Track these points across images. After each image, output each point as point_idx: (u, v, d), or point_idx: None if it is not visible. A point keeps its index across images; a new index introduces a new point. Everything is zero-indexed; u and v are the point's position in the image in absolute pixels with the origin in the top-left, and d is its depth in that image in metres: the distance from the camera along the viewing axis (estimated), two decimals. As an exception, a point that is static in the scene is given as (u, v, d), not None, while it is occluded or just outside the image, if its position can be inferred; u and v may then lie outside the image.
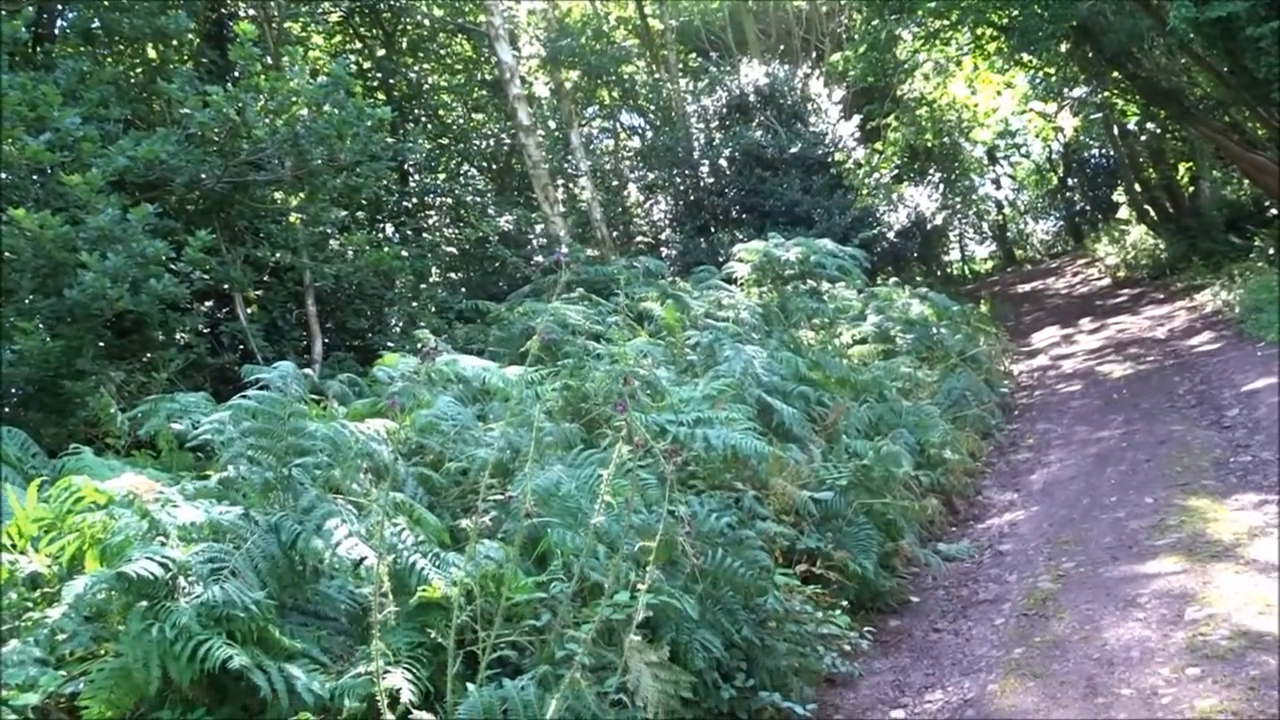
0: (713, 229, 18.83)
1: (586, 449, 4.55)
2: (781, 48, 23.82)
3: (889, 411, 7.01)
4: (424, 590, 3.12)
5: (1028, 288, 25.01)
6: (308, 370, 4.76)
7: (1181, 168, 21.60)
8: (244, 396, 3.64)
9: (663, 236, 20.97)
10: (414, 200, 16.05)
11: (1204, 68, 14.91)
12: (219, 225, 8.91)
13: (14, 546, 3.30)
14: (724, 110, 20.08)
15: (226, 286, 9.35)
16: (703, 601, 3.75)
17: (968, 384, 9.02)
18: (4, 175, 7.08)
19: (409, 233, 15.09)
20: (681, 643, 3.60)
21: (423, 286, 13.66)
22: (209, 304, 9.93)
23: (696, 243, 18.10)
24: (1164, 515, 5.42)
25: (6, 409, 6.70)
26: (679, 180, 20.20)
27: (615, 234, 21.27)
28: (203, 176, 8.42)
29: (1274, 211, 16.99)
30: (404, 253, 12.05)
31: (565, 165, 19.71)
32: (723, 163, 19.10)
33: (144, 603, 2.76)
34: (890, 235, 18.43)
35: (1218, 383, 8.66)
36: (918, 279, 20.25)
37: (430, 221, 16.65)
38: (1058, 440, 8.35)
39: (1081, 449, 7.75)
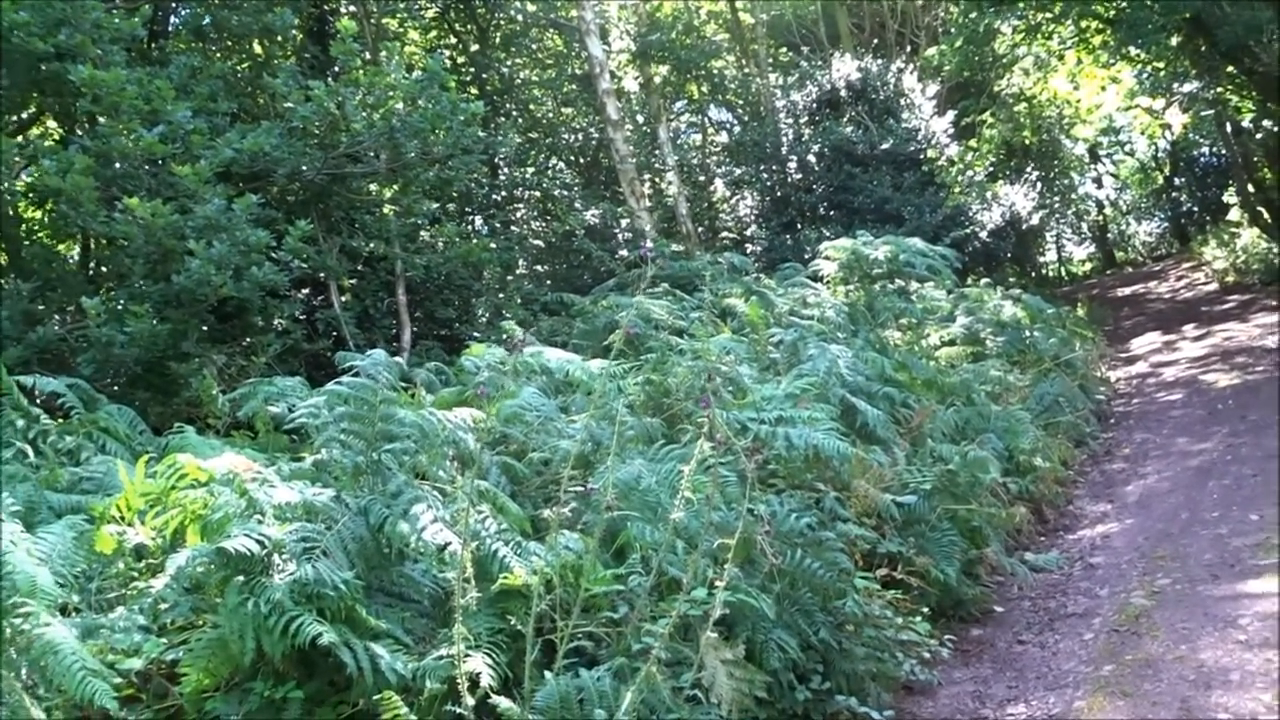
0: (799, 225, 18.66)
1: (667, 444, 4.57)
2: (875, 41, 23.40)
3: (977, 415, 6.85)
4: (505, 578, 3.18)
5: (1128, 291, 24.11)
6: (397, 358, 4.88)
7: (1299, 168, 20.51)
8: (338, 382, 3.75)
9: (748, 233, 20.84)
10: (503, 193, 16.30)
11: (1327, 63, 14.13)
12: (317, 215, 9.20)
13: (122, 519, 3.47)
14: (814, 105, 19.85)
15: (323, 275, 9.65)
16: (780, 601, 3.73)
17: (1061, 390, 8.74)
18: (120, 166, 7.44)
19: (497, 225, 15.33)
20: (757, 642, 3.59)
21: (509, 278, 13.90)
22: (306, 291, 10.28)
23: (782, 239, 17.96)
24: (1270, 534, 5.17)
25: (116, 387, 7.06)
26: (765, 176, 20.06)
27: (700, 229, 21.27)
28: (303, 168, 8.70)
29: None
30: (492, 245, 12.25)
31: (652, 160, 19.76)
32: (811, 158, 18.89)
33: (240, 577, 2.88)
34: (983, 235, 17.97)
35: (1332, 395, 8.23)
36: (1011, 280, 19.73)
37: (518, 214, 16.91)
38: (1156, 451, 8.04)
39: (1181, 461, 7.44)
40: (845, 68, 19.87)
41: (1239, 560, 4.91)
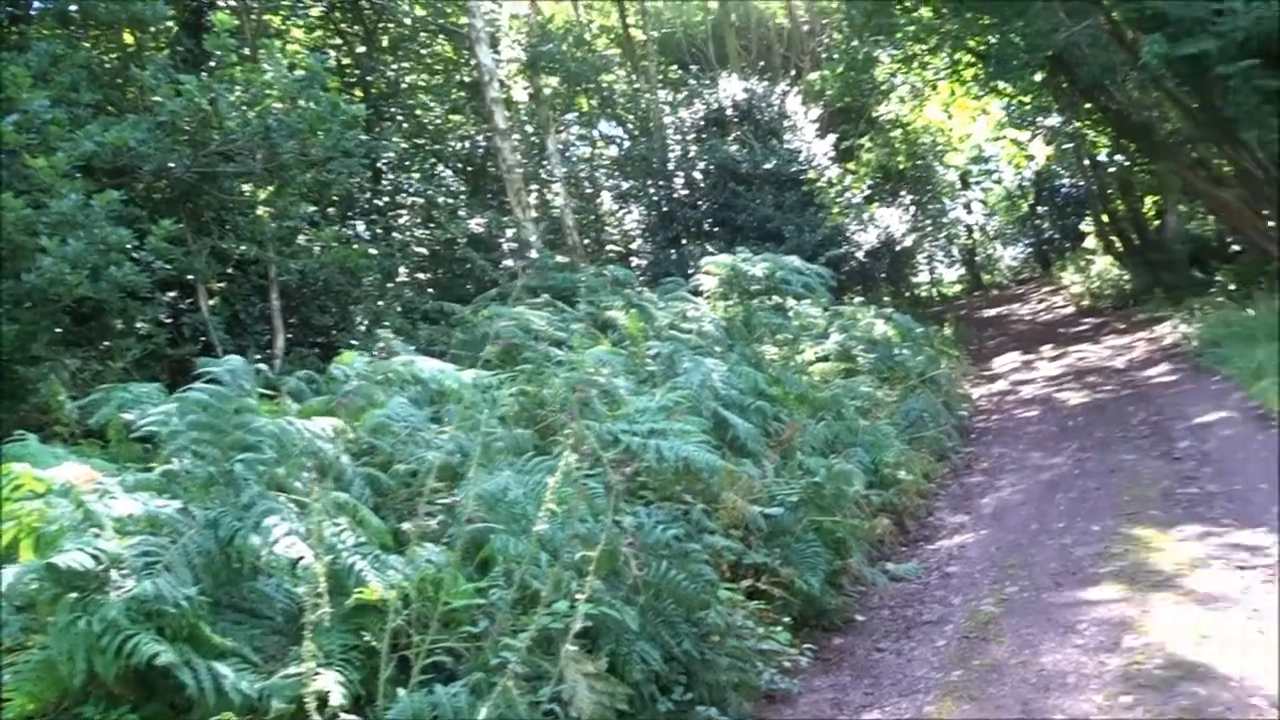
0: (684, 241, 18.95)
1: (538, 456, 4.56)
2: (762, 63, 23.97)
3: (845, 430, 7.08)
4: (361, 592, 3.11)
5: (993, 312, 25.32)
6: (263, 365, 4.72)
7: (1149, 201, 21.98)
8: (192, 389, 3.61)
9: (634, 246, 21.03)
10: (386, 199, 16.03)
11: (1174, 103, 15.20)
12: (185, 215, 8.83)
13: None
14: (701, 123, 20.20)
15: (190, 277, 9.26)
16: (644, 613, 3.77)
17: (926, 406, 9.12)
18: (-35, 154, 6.99)
19: (379, 231, 15.06)
20: (620, 654, 3.62)
21: (389, 285, 13.63)
22: (171, 294, 9.82)
23: (667, 254, 18.19)
24: (1109, 543, 5.51)
25: (-45, 391, 6.61)
26: (653, 191, 20.29)
27: (587, 242, 21.32)
28: (171, 165, 8.35)
29: (1236, 247, 17.32)
30: (372, 250, 12.00)
31: (540, 171, 19.74)
32: (697, 175, 19.21)
33: (73, 594, 2.74)
34: (859, 255, 18.59)
35: (1171, 414, 8.81)
36: (885, 300, 20.47)
37: (401, 221, 16.62)
38: (1011, 465, 8.46)
39: (1034, 474, 7.86)
40: (732, 88, 20.29)
41: (1080, 569, 5.21)
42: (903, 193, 22.44)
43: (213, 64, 9.83)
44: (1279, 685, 3.61)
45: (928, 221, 26.90)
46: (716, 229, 18.94)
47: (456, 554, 3.21)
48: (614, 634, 3.63)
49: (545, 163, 19.09)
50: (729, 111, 20.15)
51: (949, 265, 36.74)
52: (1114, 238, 23.13)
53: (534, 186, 18.83)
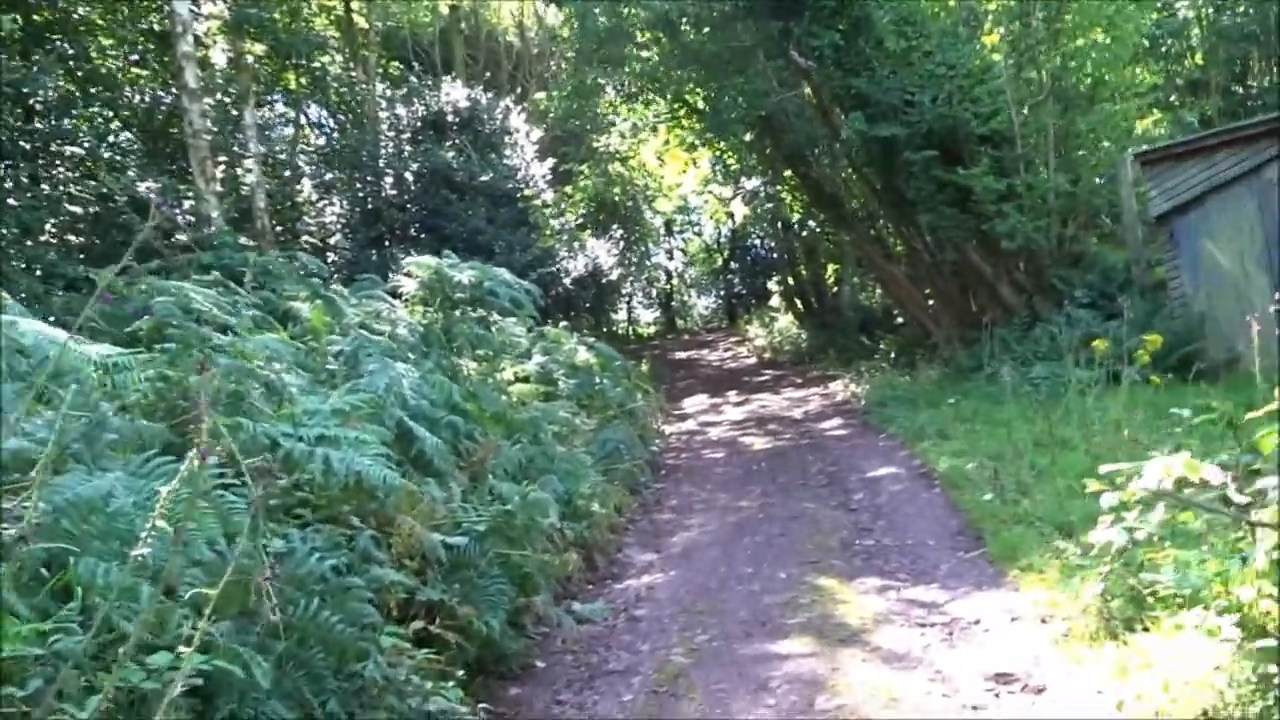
0: (387, 243, 17.87)
1: (166, 455, 3.60)
2: (489, 75, 23.42)
3: (542, 455, 6.58)
4: None
5: (684, 355, 26.28)
6: None
7: (830, 268, 23.90)
8: None
9: (333, 241, 19.53)
10: (38, 143, 13.66)
11: (863, 180, 16.52)
12: None
13: None
14: (419, 124, 19.28)
15: None
16: (282, 664, 2.98)
17: (623, 437, 8.88)
18: None
19: (24, 179, 12.75)
20: (243, 717, 2.80)
21: (28, 243, 11.54)
22: None
23: (368, 254, 17.01)
24: (796, 593, 5.40)
25: None
26: (359, 186, 19.00)
27: (280, 229, 19.52)
28: None
29: (900, 320, 19.10)
30: (12, 200, 9.99)
31: (232, 143, 17.77)
32: (409, 176, 18.22)
33: None
34: (567, 281, 18.45)
35: (845, 466, 9.20)
36: (587, 330, 20.50)
37: (56, 173, 14.24)
38: (700, 504, 8.39)
39: (722, 515, 7.80)
40: (456, 93, 19.58)
41: (770, 618, 5.03)
42: (615, 226, 22.72)
43: None
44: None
45: (633, 260, 27.49)
46: (424, 236, 18.02)
47: (7, 580, 2.27)
48: (238, 691, 2.81)
49: (239, 135, 17.18)
50: (450, 117, 19.40)
51: (648, 307, 38.08)
52: (797, 299, 24.88)
53: (223, 159, 16.85)
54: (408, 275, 9.38)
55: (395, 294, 9.53)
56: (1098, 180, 13.55)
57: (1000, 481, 6.98)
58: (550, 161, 19.83)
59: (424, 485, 4.84)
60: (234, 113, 18.21)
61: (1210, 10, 17.12)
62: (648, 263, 33.87)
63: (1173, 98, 17.16)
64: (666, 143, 28.46)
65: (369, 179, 18.80)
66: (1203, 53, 17.81)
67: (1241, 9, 16.78)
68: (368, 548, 3.80)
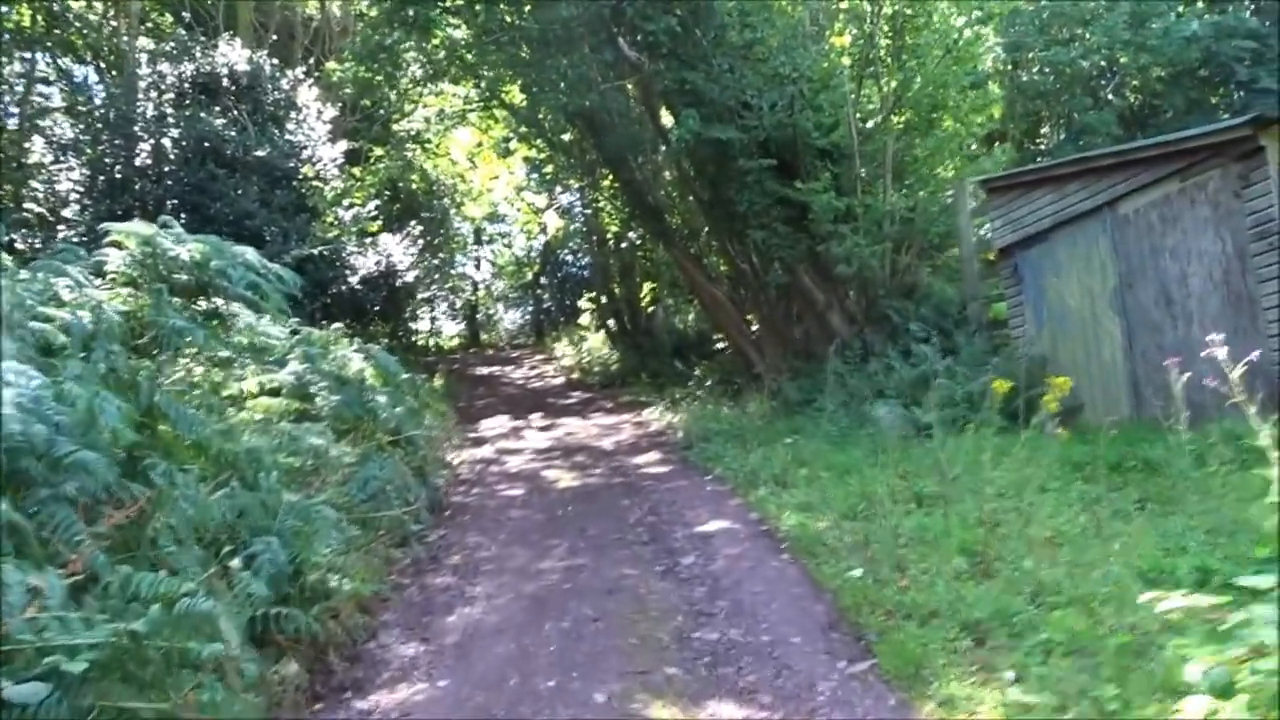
0: (136, 219, 14.87)
1: None
2: (275, 37, 20.67)
3: (259, 506, 4.54)
4: None
5: (486, 371, 24.28)
6: None
7: (646, 287, 22.59)
8: None
9: (66, 214, 16.26)
10: None
11: (689, 190, 15.20)
12: None
13: None
14: (187, 86, 16.41)
15: None
16: None
17: (393, 474, 6.89)
18: None
19: None
20: None
21: None
22: None
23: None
24: (620, 724, 3.69)
25: None
26: (105, 150, 15.88)
27: (1, 194, 16.20)
28: None
29: (721, 344, 17.92)
30: None
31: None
32: (167, 143, 15.33)
33: None
34: (354, 280, 16.07)
35: (669, 515, 7.61)
36: (383, 338, 18.11)
37: None
38: (489, 564, 6.53)
39: (517, 583, 5.99)
40: (235, 55, 16.84)
41: (580, 783, 3.28)
42: (413, 223, 20.43)
43: None
44: None
45: (435, 262, 25.16)
46: (183, 215, 15.18)
47: None
48: None
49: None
50: (225, 81, 16.63)
51: (451, 318, 35.75)
52: (609, 318, 23.44)
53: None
54: (115, 245, 7.04)
55: (100, 271, 7.18)
56: (934, 209, 12.80)
57: (870, 552, 5.56)
58: (344, 145, 17.42)
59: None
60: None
61: (1009, 67, 17.14)
62: (452, 271, 31.56)
63: (973, 146, 16.85)
64: (479, 144, 26.48)
65: (118, 142, 15.74)
66: (1002, 106, 17.81)
67: (1036, 69, 16.88)
68: None
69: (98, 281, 6.88)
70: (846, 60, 12.11)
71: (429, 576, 6.27)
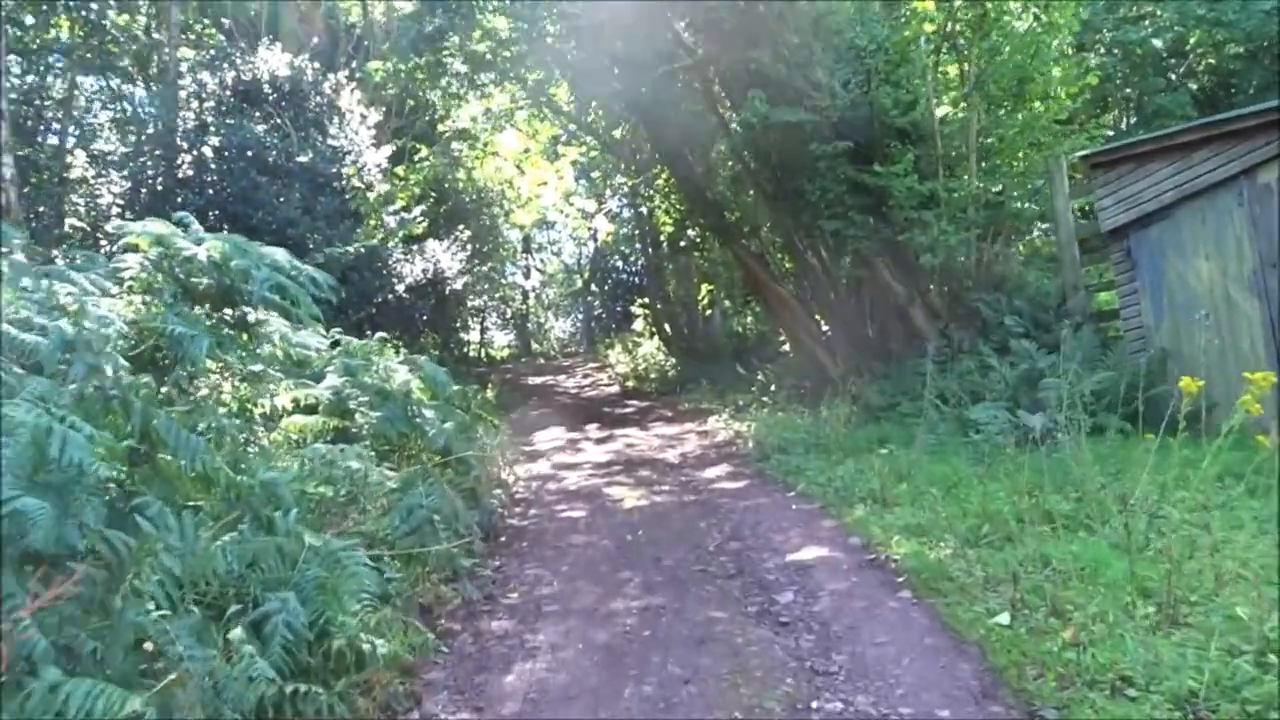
0: (177, 231, 14.33)
1: None
2: (316, 41, 20.18)
3: (275, 553, 3.71)
4: None
5: (539, 381, 23.57)
6: None
7: (703, 289, 21.65)
8: None
9: (110, 228, 15.85)
10: None
11: (753, 182, 14.23)
12: None
13: None
14: (228, 93, 15.93)
15: None
16: None
17: (441, 502, 6.02)
18: None
19: None
20: None
21: None
22: None
23: (153, 244, 13.50)
24: None
25: None
26: (147, 162, 15.43)
27: (42, 209, 15.85)
28: None
29: (785, 348, 16.89)
30: None
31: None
32: (209, 151, 14.81)
33: None
34: (400, 288, 15.38)
35: (754, 541, 6.67)
36: (433, 353, 17.44)
37: None
38: (552, 603, 5.65)
39: (585, 629, 5.09)
40: (275, 61, 16.34)
41: None
42: (460, 227, 19.73)
43: None
44: None
45: (485, 269, 24.47)
46: (225, 226, 14.65)
47: None
48: None
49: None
50: (266, 88, 16.13)
51: (501, 328, 35.23)
52: (665, 324, 22.56)
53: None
54: (130, 248, 6.31)
55: (118, 276, 6.47)
56: (1024, 190, 11.68)
57: (1015, 591, 4.56)
58: (388, 149, 16.77)
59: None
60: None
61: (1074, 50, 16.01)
62: (502, 280, 30.91)
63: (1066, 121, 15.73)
64: (526, 151, 25.77)
65: (158, 153, 15.28)
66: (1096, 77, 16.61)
67: (1103, 51, 15.68)
68: None
69: (114, 289, 6.19)
70: (929, 26, 11.05)
71: (483, 620, 5.40)
